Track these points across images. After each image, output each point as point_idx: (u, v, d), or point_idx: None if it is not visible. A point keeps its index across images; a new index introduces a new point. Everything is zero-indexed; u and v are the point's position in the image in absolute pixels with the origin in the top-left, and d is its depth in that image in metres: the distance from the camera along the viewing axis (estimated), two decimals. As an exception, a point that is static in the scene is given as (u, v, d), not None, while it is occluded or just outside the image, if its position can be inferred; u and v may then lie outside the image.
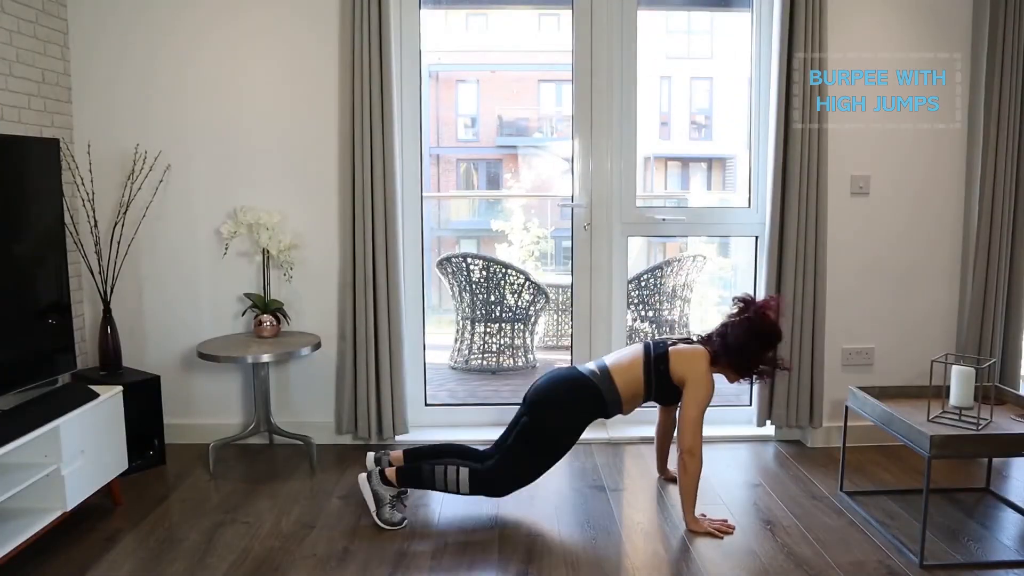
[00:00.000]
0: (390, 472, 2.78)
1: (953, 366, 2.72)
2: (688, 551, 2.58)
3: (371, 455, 2.92)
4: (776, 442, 3.61)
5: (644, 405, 2.92)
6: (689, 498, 2.73)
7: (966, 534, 2.70)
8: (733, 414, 3.78)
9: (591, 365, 2.84)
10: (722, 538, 2.65)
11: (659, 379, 2.77)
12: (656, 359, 2.78)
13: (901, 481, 3.17)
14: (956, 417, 2.66)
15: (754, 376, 2.86)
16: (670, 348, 2.81)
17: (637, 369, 2.78)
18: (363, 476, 2.81)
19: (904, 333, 3.57)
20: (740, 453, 3.50)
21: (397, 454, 2.93)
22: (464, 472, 2.71)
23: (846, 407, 3.00)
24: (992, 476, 3.13)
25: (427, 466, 2.75)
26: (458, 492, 2.72)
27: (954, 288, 3.57)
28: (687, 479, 2.71)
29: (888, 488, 3.09)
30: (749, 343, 2.74)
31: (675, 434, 2.95)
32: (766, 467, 3.34)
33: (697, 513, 2.74)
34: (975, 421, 2.60)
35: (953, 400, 2.69)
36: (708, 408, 2.75)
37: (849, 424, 3.05)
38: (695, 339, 2.89)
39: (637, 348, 2.85)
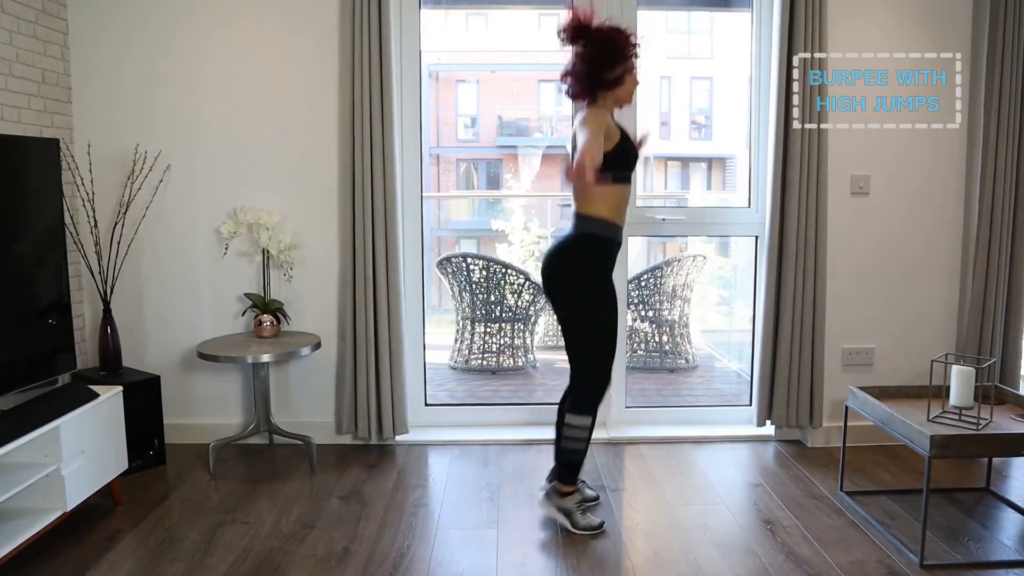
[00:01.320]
0: (559, 485, 2.75)
1: (953, 366, 2.72)
2: (688, 551, 2.58)
3: (546, 483, 2.85)
4: (776, 442, 3.61)
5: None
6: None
7: (966, 534, 2.70)
8: (733, 414, 3.78)
9: (568, 224, 2.68)
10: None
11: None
12: (573, 151, 2.56)
13: (901, 481, 3.17)
14: (956, 417, 2.66)
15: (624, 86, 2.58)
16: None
17: (582, 188, 2.50)
18: (542, 499, 2.79)
19: (904, 333, 3.57)
20: (740, 453, 3.50)
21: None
22: (570, 418, 2.66)
23: (846, 407, 3.00)
24: (992, 476, 3.13)
25: (558, 445, 2.74)
26: (589, 430, 2.66)
27: (954, 288, 3.57)
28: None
29: (888, 488, 3.09)
30: (593, 59, 2.52)
31: None
32: (766, 467, 3.34)
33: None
34: (975, 421, 2.61)
35: (953, 400, 2.69)
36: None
37: (849, 424, 3.05)
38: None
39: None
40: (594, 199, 2.59)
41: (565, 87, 2.69)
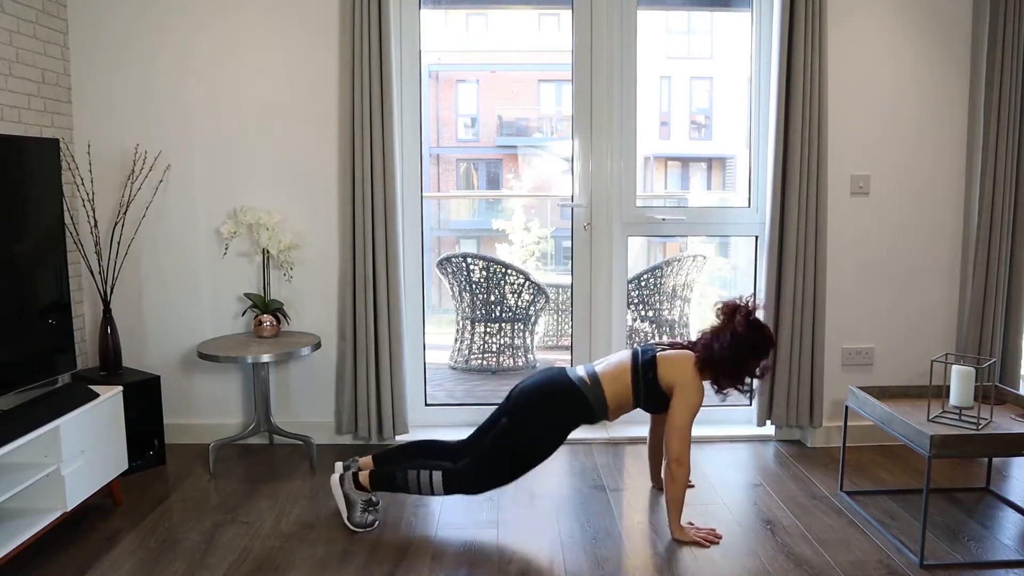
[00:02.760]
0: (363, 476, 2.74)
1: (953, 366, 2.72)
2: (689, 551, 2.58)
3: (339, 463, 2.84)
4: (776, 442, 3.62)
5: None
6: (676, 507, 2.65)
7: (966, 534, 2.70)
8: (733, 414, 3.78)
9: (581, 371, 2.75)
10: (708, 547, 2.60)
11: (647, 387, 2.70)
12: (644, 366, 2.70)
13: (901, 481, 3.17)
14: (956, 417, 2.66)
15: (742, 387, 2.77)
16: (658, 355, 2.72)
17: (625, 377, 2.71)
18: (335, 478, 2.76)
19: (904, 333, 3.57)
20: (740, 453, 3.50)
21: (366, 460, 2.86)
22: (437, 475, 2.64)
23: (846, 407, 3.00)
24: (992, 476, 3.13)
25: (399, 472, 2.69)
26: (432, 494, 2.68)
27: (954, 288, 3.57)
28: (674, 487, 2.64)
29: (888, 488, 3.09)
30: (740, 353, 2.66)
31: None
32: (766, 467, 3.34)
33: (684, 522, 2.69)
34: (975, 421, 2.61)
35: (953, 400, 2.69)
36: (700, 412, 2.68)
37: (849, 424, 3.05)
38: (685, 343, 2.84)
39: (625, 356, 2.78)
40: (620, 395, 2.71)
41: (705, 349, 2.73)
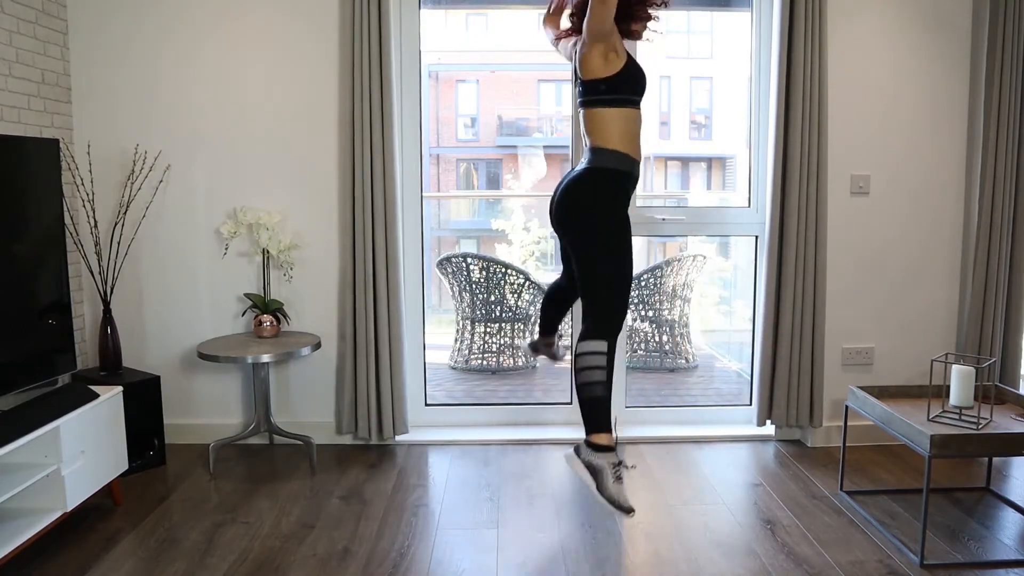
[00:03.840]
0: (593, 437, 2.34)
1: (953, 365, 2.72)
2: (688, 551, 2.58)
3: (525, 344, 2.63)
4: (776, 442, 3.62)
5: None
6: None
7: (966, 533, 2.70)
8: (733, 414, 3.78)
9: (583, 160, 2.56)
10: None
11: (586, 89, 2.46)
12: (580, 92, 2.50)
13: (901, 481, 3.17)
14: (956, 416, 2.66)
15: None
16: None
17: (588, 115, 2.49)
18: (569, 453, 2.40)
19: (904, 333, 3.57)
20: (740, 453, 3.50)
21: (549, 339, 2.78)
22: (587, 344, 2.36)
23: (846, 407, 3.00)
24: (992, 475, 3.14)
25: (579, 392, 2.39)
26: (610, 359, 2.38)
27: (954, 287, 3.57)
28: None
29: (888, 488, 3.09)
30: None
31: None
32: (766, 467, 3.34)
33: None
34: (975, 420, 2.61)
35: (953, 399, 2.69)
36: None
37: (849, 424, 3.05)
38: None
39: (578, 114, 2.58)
40: (607, 130, 2.46)
41: (569, 16, 2.53)
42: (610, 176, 2.48)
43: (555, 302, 2.96)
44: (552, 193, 2.66)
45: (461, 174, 6.98)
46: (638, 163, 2.56)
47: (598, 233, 2.47)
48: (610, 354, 2.39)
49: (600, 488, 2.31)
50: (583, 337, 2.42)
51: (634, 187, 2.59)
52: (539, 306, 4.94)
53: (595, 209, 2.48)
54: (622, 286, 2.48)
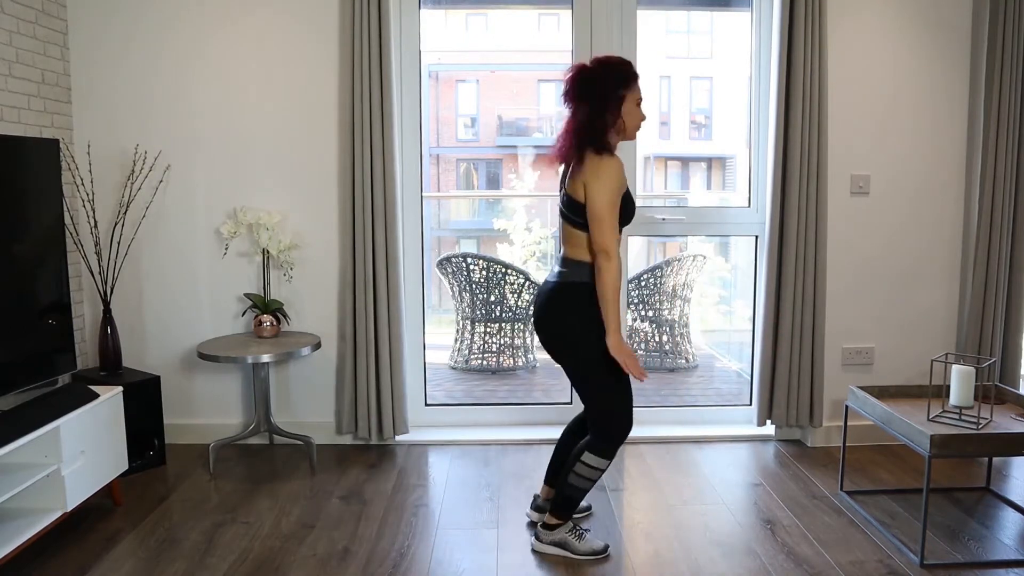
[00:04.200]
0: (548, 519, 2.57)
1: (953, 365, 2.72)
2: (688, 551, 2.58)
3: (533, 514, 2.77)
4: (776, 441, 3.62)
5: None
6: (612, 307, 2.33)
7: (966, 533, 2.70)
8: (733, 414, 3.78)
9: (555, 266, 2.53)
10: (640, 380, 2.37)
11: (569, 209, 2.42)
12: (562, 201, 2.46)
13: (901, 481, 3.17)
14: (956, 416, 2.66)
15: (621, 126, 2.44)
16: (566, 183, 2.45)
17: (567, 229, 2.44)
18: (534, 543, 2.59)
19: (904, 333, 3.57)
20: (740, 453, 3.50)
21: (547, 490, 2.76)
22: (587, 457, 2.46)
23: (846, 407, 3.00)
24: (992, 475, 3.13)
25: (565, 487, 2.52)
26: (602, 472, 2.48)
27: (954, 287, 3.57)
28: (604, 287, 2.33)
29: (888, 488, 3.09)
30: (606, 92, 2.38)
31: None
32: (766, 467, 3.34)
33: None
34: (975, 420, 2.61)
35: (953, 399, 2.69)
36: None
37: (849, 424, 3.05)
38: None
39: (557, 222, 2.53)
40: (584, 247, 2.41)
41: (559, 148, 2.50)
42: (583, 290, 2.40)
43: (573, 433, 2.76)
44: (535, 297, 2.59)
45: (461, 174, 6.98)
46: None
47: (580, 348, 2.44)
48: (606, 469, 2.51)
49: (575, 553, 2.54)
50: (588, 448, 2.48)
51: None
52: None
53: (577, 327, 2.42)
54: (619, 393, 2.46)
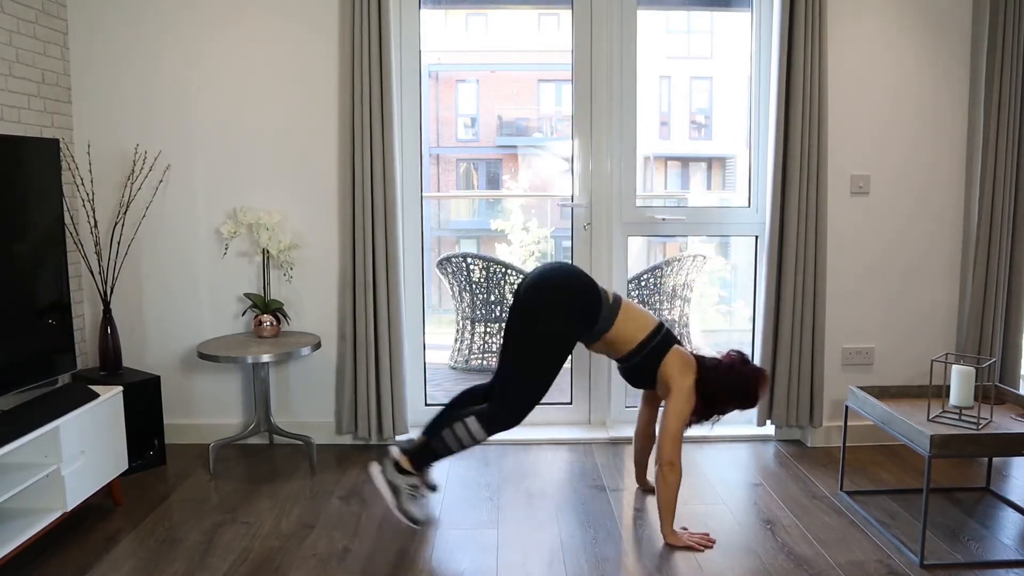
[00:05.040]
0: (403, 460, 2.66)
1: (953, 365, 2.72)
2: (689, 551, 2.58)
3: (395, 448, 2.76)
4: (776, 442, 3.62)
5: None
6: (668, 511, 2.61)
7: (966, 533, 2.70)
8: (733, 414, 3.77)
9: (605, 287, 2.77)
10: (702, 551, 2.57)
11: (644, 359, 2.69)
12: (659, 343, 2.69)
13: (901, 481, 3.17)
14: (956, 416, 2.66)
15: (711, 416, 2.75)
16: (675, 344, 2.73)
17: (639, 332, 2.69)
18: (376, 468, 2.68)
19: (904, 333, 3.57)
20: (740, 453, 3.50)
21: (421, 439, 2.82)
22: (471, 421, 2.60)
23: (846, 407, 3.00)
24: (992, 476, 3.14)
25: (435, 440, 2.65)
26: (475, 442, 2.62)
27: (954, 288, 3.57)
28: (666, 491, 2.60)
29: (888, 488, 3.09)
30: (729, 391, 2.69)
31: (654, 446, 2.89)
32: (766, 467, 3.34)
33: (677, 527, 2.65)
34: (975, 420, 2.61)
35: (953, 400, 2.69)
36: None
37: (849, 424, 3.05)
38: (695, 352, 2.81)
39: (652, 320, 2.74)
40: (621, 334, 2.69)
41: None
42: (594, 312, 2.66)
43: (462, 404, 2.88)
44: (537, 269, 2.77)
45: (461, 174, 6.97)
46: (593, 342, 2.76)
47: (550, 333, 2.63)
48: (482, 442, 2.65)
49: (396, 505, 2.65)
50: (477, 414, 2.62)
51: (593, 329, 2.71)
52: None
53: (565, 317, 2.64)
54: (540, 389, 2.65)
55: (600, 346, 2.75)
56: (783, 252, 3.39)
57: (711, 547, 2.60)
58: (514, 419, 2.65)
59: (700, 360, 2.74)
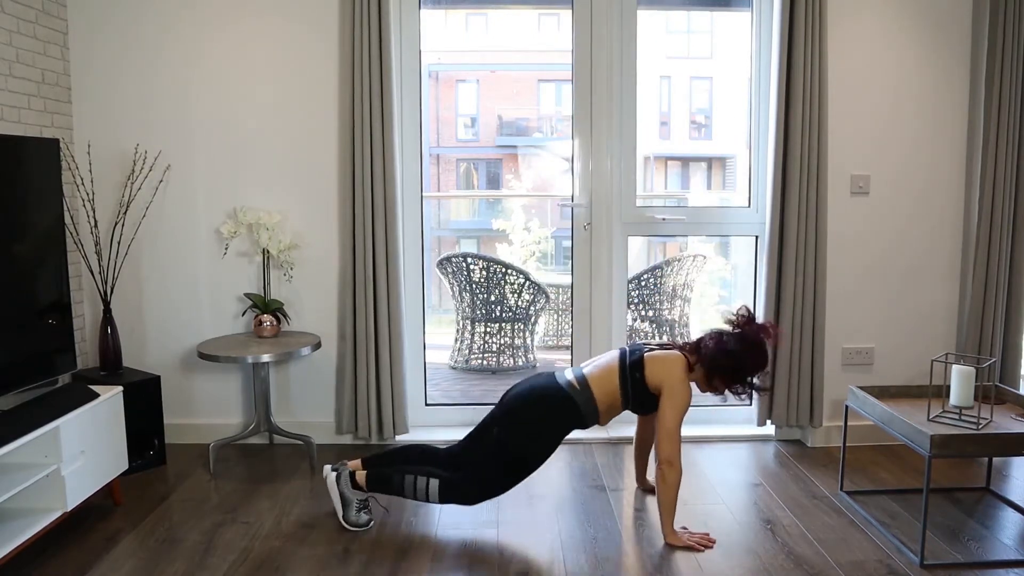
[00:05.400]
0: (360, 476, 2.73)
1: (953, 365, 2.72)
2: (688, 551, 2.58)
3: (327, 466, 2.82)
4: (776, 442, 3.62)
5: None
6: (668, 510, 2.61)
7: (966, 533, 2.70)
8: (733, 414, 3.78)
9: (569, 375, 2.72)
10: (702, 551, 2.56)
11: (635, 387, 2.66)
12: (631, 367, 2.66)
13: (901, 481, 3.17)
14: (956, 416, 2.66)
15: (727, 391, 2.72)
16: (645, 355, 2.69)
17: (613, 378, 2.67)
18: (331, 476, 2.75)
19: (904, 333, 3.57)
20: (740, 453, 3.50)
21: (355, 462, 2.83)
22: (434, 483, 2.63)
23: (846, 407, 3.00)
24: (992, 476, 3.13)
25: (396, 475, 2.68)
26: (427, 501, 2.67)
27: (954, 287, 3.57)
28: (666, 490, 2.59)
29: (888, 488, 3.09)
30: (740, 357, 2.64)
31: (653, 444, 2.88)
32: (766, 467, 3.34)
33: (677, 527, 2.64)
34: (975, 420, 2.61)
35: (953, 399, 2.69)
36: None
37: (849, 424, 3.05)
38: (673, 344, 2.80)
39: (612, 356, 2.74)
40: (606, 396, 2.67)
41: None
42: (576, 416, 2.67)
43: (409, 455, 2.86)
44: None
45: (461, 174, 6.98)
46: (595, 420, 2.72)
47: (531, 448, 2.66)
48: (422, 501, 2.71)
49: (345, 516, 2.73)
50: (442, 480, 2.65)
51: (588, 424, 2.72)
52: (539, 306, 4.95)
53: (545, 434, 2.67)
54: (507, 487, 2.69)
55: (607, 416, 2.73)
56: (783, 252, 3.39)
57: (711, 547, 2.60)
58: (473, 502, 2.71)
59: (687, 344, 2.77)
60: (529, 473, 2.67)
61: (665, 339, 5.10)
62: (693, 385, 2.73)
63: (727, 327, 2.73)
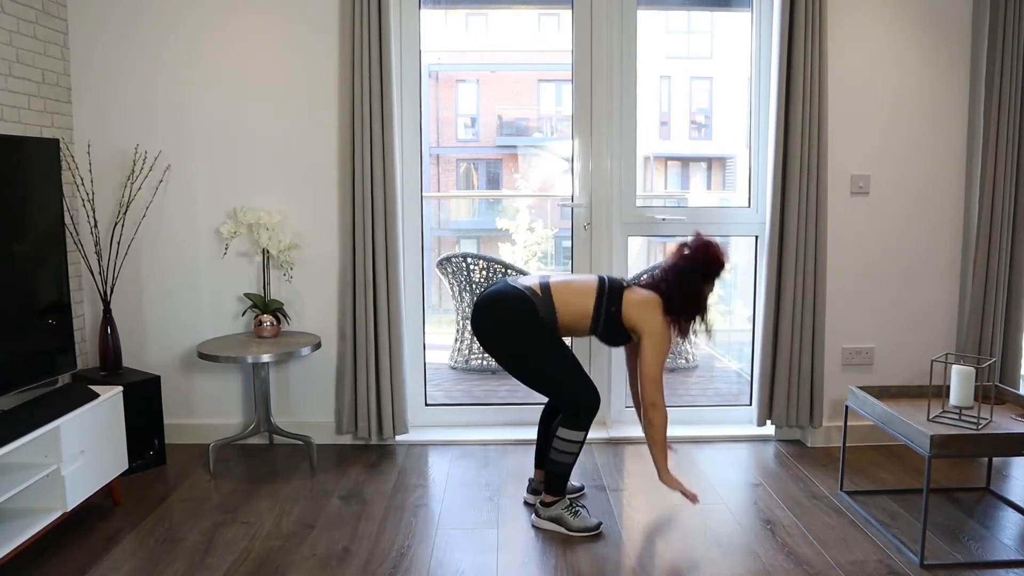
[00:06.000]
0: (545, 497, 2.74)
1: (953, 365, 2.72)
2: (688, 551, 2.58)
3: (529, 496, 2.92)
4: (776, 442, 3.62)
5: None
6: (660, 450, 2.69)
7: (966, 534, 2.70)
8: (733, 414, 3.78)
9: (529, 281, 2.72)
10: (691, 501, 2.71)
11: (608, 319, 2.66)
12: (609, 297, 2.66)
13: (901, 481, 3.17)
14: (956, 417, 2.66)
15: (700, 317, 2.71)
16: (626, 291, 2.69)
17: (587, 301, 2.66)
18: (533, 518, 2.77)
19: (904, 333, 3.57)
20: (740, 453, 3.50)
21: (539, 473, 2.92)
22: (561, 431, 2.63)
23: (846, 407, 3.00)
24: (992, 476, 3.14)
25: (550, 464, 2.69)
26: (580, 443, 2.65)
27: (954, 287, 3.57)
28: (654, 431, 2.67)
29: (888, 488, 3.09)
30: (694, 272, 2.67)
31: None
32: (766, 467, 3.34)
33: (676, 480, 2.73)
34: (975, 420, 2.61)
35: (953, 400, 2.69)
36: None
37: (849, 424, 3.05)
38: (650, 282, 2.79)
39: (590, 279, 2.72)
40: (569, 312, 2.66)
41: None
42: (534, 314, 2.64)
43: (551, 415, 2.96)
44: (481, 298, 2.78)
45: (461, 174, 6.97)
46: (549, 328, 2.68)
47: (527, 353, 2.67)
48: (584, 440, 2.68)
49: (569, 529, 2.70)
50: (562, 424, 2.67)
51: (545, 325, 2.68)
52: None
53: (519, 337, 2.65)
54: (576, 374, 2.67)
55: (565, 332, 2.72)
56: (783, 252, 3.39)
57: (695, 502, 2.73)
58: (587, 403, 2.64)
59: (654, 281, 2.75)
60: (572, 362, 2.67)
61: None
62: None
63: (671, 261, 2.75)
